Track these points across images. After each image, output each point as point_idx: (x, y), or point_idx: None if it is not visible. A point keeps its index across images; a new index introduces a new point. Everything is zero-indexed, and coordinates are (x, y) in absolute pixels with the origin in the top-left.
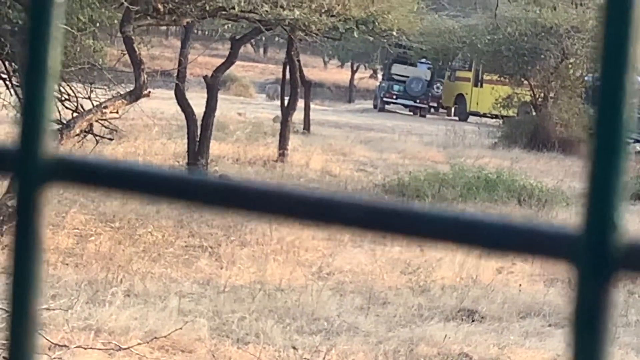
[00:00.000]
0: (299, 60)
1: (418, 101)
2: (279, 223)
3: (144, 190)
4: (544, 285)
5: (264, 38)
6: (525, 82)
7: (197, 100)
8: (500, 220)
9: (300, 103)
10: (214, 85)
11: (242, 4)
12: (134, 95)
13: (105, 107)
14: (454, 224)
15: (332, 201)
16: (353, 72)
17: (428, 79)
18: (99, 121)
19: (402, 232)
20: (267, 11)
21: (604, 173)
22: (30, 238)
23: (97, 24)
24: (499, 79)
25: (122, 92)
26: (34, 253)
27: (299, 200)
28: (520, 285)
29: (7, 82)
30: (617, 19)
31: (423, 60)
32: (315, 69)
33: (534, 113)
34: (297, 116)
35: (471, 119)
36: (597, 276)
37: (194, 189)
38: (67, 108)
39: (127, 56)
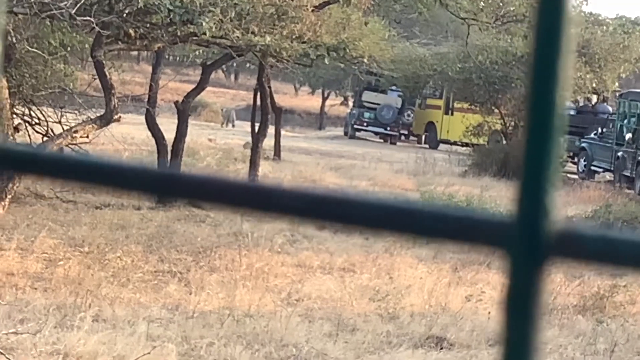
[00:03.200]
0: (270, 87)
1: (389, 129)
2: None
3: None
4: None
5: (235, 64)
6: (496, 110)
7: (168, 126)
8: (435, 208)
9: (271, 129)
10: (184, 110)
11: (214, 29)
12: (105, 120)
13: (76, 132)
14: (392, 212)
15: (272, 191)
16: (324, 99)
17: (399, 106)
18: (69, 145)
19: (340, 219)
20: (238, 37)
21: (536, 161)
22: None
23: (68, 48)
24: (469, 107)
25: (92, 117)
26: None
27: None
28: (489, 312)
29: None
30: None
31: (394, 87)
32: (286, 96)
33: (504, 141)
34: (268, 143)
35: (442, 147)
36: (530, 262)
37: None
38: (37, 132)
39: (97, 81)
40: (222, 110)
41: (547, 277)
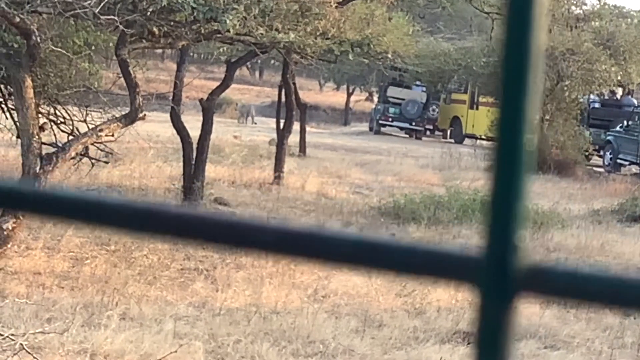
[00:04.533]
0: (294, 83)
1: (414, 124)
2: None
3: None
4: (540, 307)
5: (259, 61)
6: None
7: (193, 124)
8: (406, 244)
9: (296, 126)
10: (209, 108)
11: (238, 27)
12: (130, 118)
13: (101, 130)
14: (363, 247)
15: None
16: (349, 95)
17: (424, 101)
18: (95, 144)
19: (313, 255)
20: (262, 34)
21: (505, 198)
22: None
23: (93, 47)
24: (494, 101)
25: (117, 115)
26: None
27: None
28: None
29: (3, 106)
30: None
31: (418, 82)
32: (311, 92)
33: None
34: (293, 139)
35: (467, 141)
36: (499, 297)
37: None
38: (62, 131)
39: (122, 79)
40: (236, 105)
41: (516, 311)
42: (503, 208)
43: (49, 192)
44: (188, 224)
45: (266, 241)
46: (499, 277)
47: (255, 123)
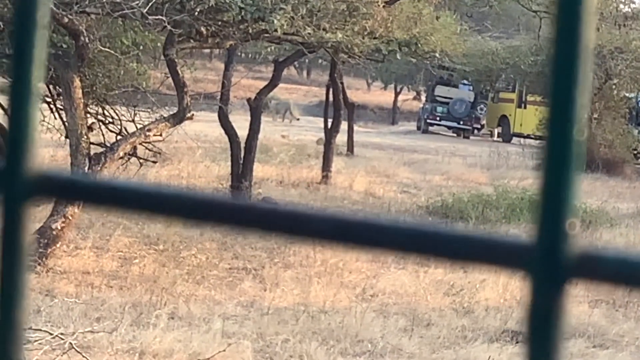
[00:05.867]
0: (342, 82)
1: (462, 123)
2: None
3: (125, 205)
4: (589, 306)
5: (307, 60)
6: None
7: (241, 123)
8: (459, 232)
9: (344, 125)
10: (257, 107)
11: (285, 26)
12: (178, 118)
13: (149, 130)
14: (416, 236)
15: (305, 215)
16: (396, 94)
17: (471, 100)
18: (143, 144)
19: (365, 244)
20: (309, 34)
21: (556, 185)
22: (15, 251)
23: (141, 47)
24: (542, 100)
25: (165, 115)
26: (19, 265)
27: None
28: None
29: (51, 106)
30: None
31: (464, 81)
32: (358, 91)
33: None
34: (341, 138)
35: (515, 140)
36: (550, 284)
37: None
38: (110, 131)
39: (170, 79)
40: (269, 102)
41: (568, 297)
42: (554, 195)
43: (106, 183)
44: (242, 212)
45: (320, 230)
46: (550, 264)
47: (298, 119)
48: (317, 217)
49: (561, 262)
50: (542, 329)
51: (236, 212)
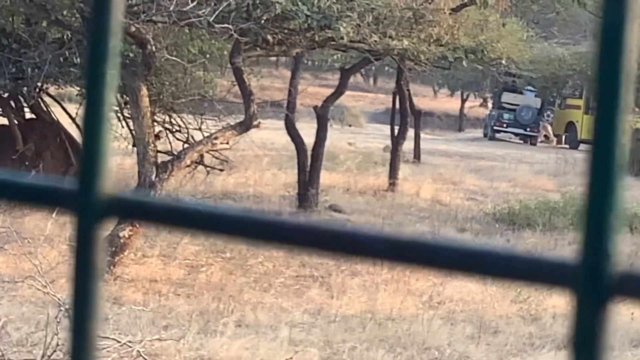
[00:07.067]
0: (408, 90)
1: (528, 129)
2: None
3: (194, 226)
4: None
5: (373, 68)
6: (638, 109)
7: (307, 131)
8: (505, 251)
9: (411, 132)
10: (324, 115)
11: (351, 34)
12: (244, 126)
13: (216, 138)
14: (463, 255)
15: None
16: (463, 101)
17: (538, 107)
18: (210, 152)
19: (416, 263)
20: (375, 41)
21: (600, 206)
22: (88, 270)
23: (207, 56)
24: None
25: (232, 123)
26: (91, 284)
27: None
28: (632, 313)
29: (119, 114)
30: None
31: (530, 88)
32: (425, 98)
33: None
34: (407, 145)
35: (582, 147)
36: (594, 302)
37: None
38: (177, 139)
39: (237, 87)
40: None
41: (611, 315)
42: (597, 216)
43: (175, 204)
44: (303, 233)
45: (379, 250)
46: (594, 283)
47: (350, 125)
48: (374, 238)
49: (604, 280)
50: (585, 347)
51: (299, 232)
